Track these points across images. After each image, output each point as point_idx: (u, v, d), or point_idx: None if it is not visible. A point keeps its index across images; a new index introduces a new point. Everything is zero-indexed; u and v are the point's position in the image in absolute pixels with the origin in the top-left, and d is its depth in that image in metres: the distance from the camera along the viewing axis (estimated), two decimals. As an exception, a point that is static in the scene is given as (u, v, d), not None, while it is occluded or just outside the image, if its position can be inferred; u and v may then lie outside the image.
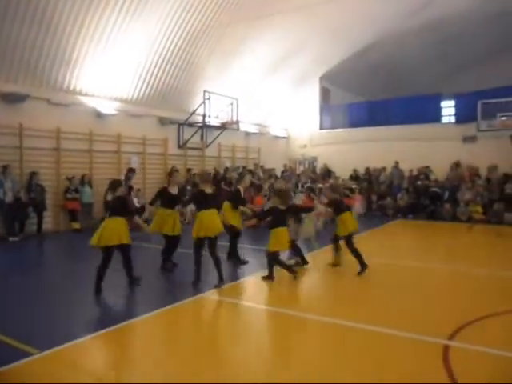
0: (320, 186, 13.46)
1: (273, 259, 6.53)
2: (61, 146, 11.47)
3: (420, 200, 14.99)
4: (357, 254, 6.92)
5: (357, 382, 3.42)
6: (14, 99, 10.38)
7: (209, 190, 6.41)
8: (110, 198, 6.09)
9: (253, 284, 6.59)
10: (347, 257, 7.26)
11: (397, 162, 16.67)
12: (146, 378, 3.55)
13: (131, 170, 11.58)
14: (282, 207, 6.52)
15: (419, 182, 15.43)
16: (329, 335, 4.51)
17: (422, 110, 16.99)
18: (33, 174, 10.55)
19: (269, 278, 6.50)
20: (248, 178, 8.65)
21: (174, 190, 7.27)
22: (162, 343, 4.36)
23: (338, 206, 7.17)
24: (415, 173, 16.12)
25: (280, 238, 6.41)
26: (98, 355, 4.14)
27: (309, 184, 13.53)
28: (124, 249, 5.98)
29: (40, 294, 5.99)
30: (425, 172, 15.68)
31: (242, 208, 7.60)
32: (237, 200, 7.67)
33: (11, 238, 9.97)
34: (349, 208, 7.76)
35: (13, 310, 5.24)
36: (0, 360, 3.67)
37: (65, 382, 3.43)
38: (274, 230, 6.44)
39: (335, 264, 7.46)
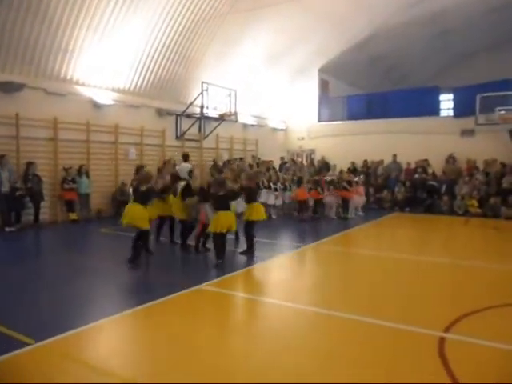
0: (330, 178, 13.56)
1: (214, 239, 7.03)
2: (58, 136, 11.41)
3: (417, 193, 15.01)
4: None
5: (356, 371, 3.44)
6: (10, 88, 10.29)
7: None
8: (144, 188, 6.94)
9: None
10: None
11: (395, 155, 16.67)
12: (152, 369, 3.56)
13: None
14: (221, 193, 7.00)
15: (417, 176, 15.44)
16: (327, 327, 4.53)
17: (421, 103, 16.93)
18: (29, 164, 10.49)
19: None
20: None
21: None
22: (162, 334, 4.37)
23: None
24: (413, 166, 16.13)
25: (220, 221, 6.87)
26: (97, 344, 4.14)
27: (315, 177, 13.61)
28: (142, 232, 6.92)
29: (37, 284, 5.99)
30: (422, 165, 15.69)
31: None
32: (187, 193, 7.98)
33: (7, 229, 9.94)
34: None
35: (9, 300, 5.24)
36: (-3, 350, 3.68)
37: (62, 373, 3.44)
38: (216, 213, 6.98)
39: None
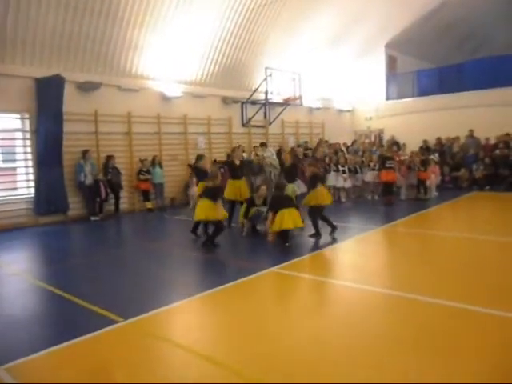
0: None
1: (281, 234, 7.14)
2: (132, 129, 12.05)
3: (499, 170, 13.98)
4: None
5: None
6: (89, 87, 11.01)
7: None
8: (211, 184, 7.36)
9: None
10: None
11: (471, 131, 15.61)
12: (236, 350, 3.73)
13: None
14: (279, 194, 7.41)
15: (497, 151, 14.36)
16: (407, 311, 4.43)
17: (499, 73, 15.65)
18: (109, 158, 11.21)
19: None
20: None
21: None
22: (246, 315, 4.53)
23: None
24: (492, 141, 15.01)
25: (284, 219, 6.96)
26: (179, 323, 4.40)
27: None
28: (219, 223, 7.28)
29: (122, 268, 6.45)
30: (505, 140, 14.53)
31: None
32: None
33: (92, 218, 10.75)
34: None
35: (100, 282, 5.71)
36: (90, 326, 4.04)
37: (145, 349, 3.70)
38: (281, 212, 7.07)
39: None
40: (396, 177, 11.97)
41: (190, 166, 9.98)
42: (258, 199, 8.26)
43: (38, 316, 4.68)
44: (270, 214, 7.22)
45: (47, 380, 3.22)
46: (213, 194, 7.17)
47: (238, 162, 9.04)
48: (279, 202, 7.15)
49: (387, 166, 11.72)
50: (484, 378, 3.00)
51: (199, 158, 8.84)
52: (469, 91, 16.00)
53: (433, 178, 12.75)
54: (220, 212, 7.15)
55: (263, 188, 8.38)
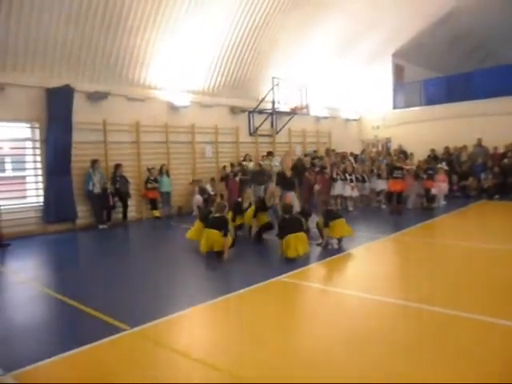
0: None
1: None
2: (140, 139, 12.16)
3: (507, 179, 13.87)
4: None
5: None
6: (97, 97, 11.14)
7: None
8: (217, 215, 7.44)
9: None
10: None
11: (480, 139, 15.52)
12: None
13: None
14: (287, 216, 7.24)
15: (506, 160, 14.26)
16: (413, 321, 4.40)
17: (510, 82, 15.58)
18: (117, 166, 11.30)
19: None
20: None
21: None
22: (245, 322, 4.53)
23: None
24: (501, 150, 14.92)
25: (291, 246, 6.84)
26: (184, 332, 4.40)
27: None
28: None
29: (128, 276, 6.48)
30: (513, 149, 14.44)
31: None
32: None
33: (100, 226, 10.83)
34: None
35: (107, 290, 5.74)
36: (97, 334, 4.06)
37: (150, 357, 3.71)
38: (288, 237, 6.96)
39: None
40: (404, 186, 11.93)
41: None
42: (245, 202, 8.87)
43: (45, 323, 4.72)
44: (279, 241, 7.07)
45: (53, 387, 3.24)
46: (220, 225, 7.11)
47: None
48: (286, 226, 6.97)
49: (395, 175, 11.69)
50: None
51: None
52: (477, 100, 15.95)
53: (442, 186, 12.67)
54: (226, 242, 7.02)
55: (248, 191, 8.85)
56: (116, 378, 3.40)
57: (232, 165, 13.48)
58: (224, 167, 13.44)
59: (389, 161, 13.72)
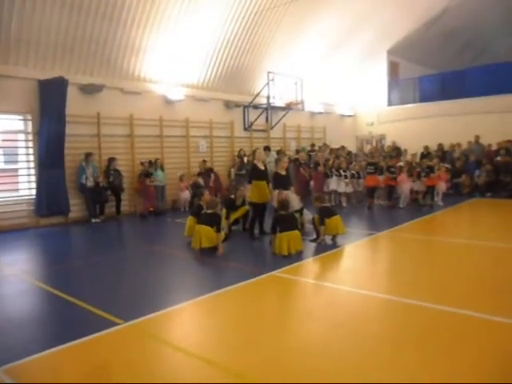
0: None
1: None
2: (134, 132, 12.07)
3: (500, 177, 13.97)
4: None
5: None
6: (91, 90, 11.03)
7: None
8: (210, 211, 7.39)
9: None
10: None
11: (477, 137, 15.55)
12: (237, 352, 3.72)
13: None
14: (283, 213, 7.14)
15: (498, 158, 14.36)
16: (406, 316, 4.43)
17: (501, 80, 15.67)
18: (111, 160, 11.20)
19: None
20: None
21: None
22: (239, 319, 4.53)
23: None
24: (494, 148, 15.01)
25: (283, 244, 6.84)
26: (179, 326, 4.39)
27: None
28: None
29: (122, 270, 6.45)
30: (506, 146, 14.52)
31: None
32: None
33: (93, 220, 10.75)
34: None
35: (100, 284, 5.71)
36: (90, 328, 4.04)
37: (144, 351, 3.70)
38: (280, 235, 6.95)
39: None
40: (377, 181, 12.26)
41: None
42: (238, 199, 8.71)
43: (37, 317, 4.68)
44: (271, 235, 7.16)
45: (47, 381, 3.22)
46: (213, 221, 7.11)
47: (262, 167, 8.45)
48: (280, 222, 6.95)
49: (368, 171, 12.32)
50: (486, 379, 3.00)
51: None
52: (471, 97, 16.03)
53: (442, 185, 12.66)
54: (219, 237, 7.04)
55: (242, 189, 8.74)
56: (110, 371, 3.38)
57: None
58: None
59: (370, 158, 13.72)
